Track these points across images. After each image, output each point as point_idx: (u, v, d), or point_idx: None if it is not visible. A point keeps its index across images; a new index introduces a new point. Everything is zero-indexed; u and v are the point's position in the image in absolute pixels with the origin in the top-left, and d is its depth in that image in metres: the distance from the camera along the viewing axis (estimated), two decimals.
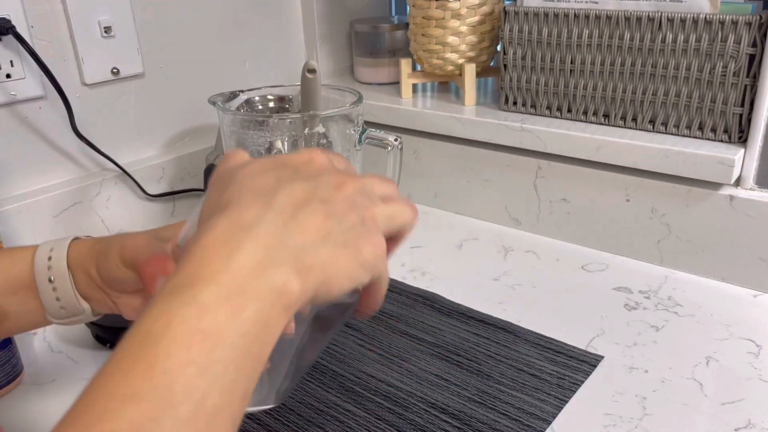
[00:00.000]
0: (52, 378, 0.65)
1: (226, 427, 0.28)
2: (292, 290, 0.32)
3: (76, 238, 0.51)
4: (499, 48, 0.91)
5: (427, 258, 0.85)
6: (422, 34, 0.94)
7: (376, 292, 0.40)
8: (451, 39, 0.92)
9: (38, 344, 0.70)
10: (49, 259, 0.49)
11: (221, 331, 0.29)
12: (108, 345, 0.69)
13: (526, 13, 0.83)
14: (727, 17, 0.70)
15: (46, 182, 0.85)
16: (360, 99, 0.75)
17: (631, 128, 0.80)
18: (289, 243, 0.33)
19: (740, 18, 0.69)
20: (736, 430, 0.55)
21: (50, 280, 0.49)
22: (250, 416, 0.58)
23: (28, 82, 0.79)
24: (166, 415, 0.26)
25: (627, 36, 0.77)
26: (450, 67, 0.95)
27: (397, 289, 0.77)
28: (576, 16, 0.79)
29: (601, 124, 0.83)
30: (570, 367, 0.63)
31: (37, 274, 0.49)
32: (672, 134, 0.78)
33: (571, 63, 0.82)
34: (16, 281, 0.49)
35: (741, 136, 0.74)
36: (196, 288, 0.30)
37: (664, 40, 0.74)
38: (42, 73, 0.78)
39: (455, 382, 0.61)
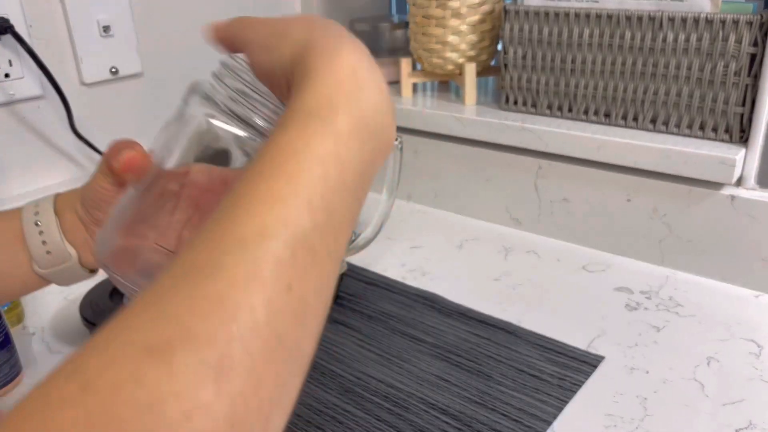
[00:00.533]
0: None
1: (342, 242, 0.31)
2: (389, 136, 0.35)
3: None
4: (499, 47, 0.91)
5: (427, 258, 0.85)
6: (422, 33, 0.94)
7: None
8: (451, 38, 0.92)
9: (37, 345, 0.70)
10: (36, 206, 0.49)
11: (351, 159, 0.31)
12: None
13: (527, 12, 0.83)
14: (728, 16, 0.69)
15: (45, 182, 0.84)
16: None
17: (631, 128, 0.80)
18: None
19: (741, 17, 0.69)
20: (737, 430, 0.55)
21: (36, 224, 0.48)
22: None
23: (27, 82, 0.79)
24: (306, 218, 0.28)
25: (628, 35, 0.76)
26: (450, 67, 0.95)
27: (397, 289, 0.77)
28: (576, 15, 0.79)
29: (602, 123, 0.82)
30: (571, 367, 0.63)
31: (24, 223, 0.48)
32: (673, 134, 0.78)
33: (572, 62, 0.82)
34: (4, 236, 0.49)
35: (742, 135, 0.73)
36: (333, 117, 0.31)
37: (665, 40, 0.74)
38: (41, 72, 0.77)
39: (455, 383, 0.61)
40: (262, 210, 0.28)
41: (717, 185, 0.73)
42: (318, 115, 0.31)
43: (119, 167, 0.47)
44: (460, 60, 0.94)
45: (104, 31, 0.85)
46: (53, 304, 0.78)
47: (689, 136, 0.77)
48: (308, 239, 0.28)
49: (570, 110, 0.85)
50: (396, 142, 0.63)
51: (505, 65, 0.87)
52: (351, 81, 0.33)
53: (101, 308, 0.71)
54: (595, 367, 0.63)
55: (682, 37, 0.73)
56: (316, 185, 0.29)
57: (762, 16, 0.68)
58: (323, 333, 0.30)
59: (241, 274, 0.25)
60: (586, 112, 0.83)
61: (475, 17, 0.91)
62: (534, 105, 0.87)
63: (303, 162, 0.29)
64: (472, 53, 0.93)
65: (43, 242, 0.48)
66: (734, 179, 0.72)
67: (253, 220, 0.27)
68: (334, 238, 0.29)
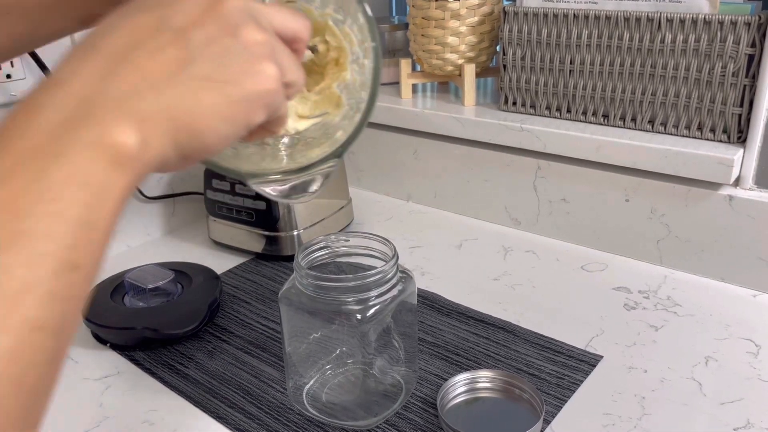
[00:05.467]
0: None
1: (46, 303, 0.24)
2: (120, 142, 0.26)
3: None
4: (498, 48, 0.91)
5: (427, 258, 0.86)
6: (422, 35, 0.94)
7: (273, 126, 0.34)
8: (450, 39, 0.92)
9: None
10: None
11: (19, 201, 0.24)
12: (108, 345, 0.69)
13: (526, 14, 0.83)
14: (726, 17, 0.70)
15: None
16: None
17: (630, 128, 0.80)
18: (112, 89, 0.27)
19: (739, 18, 0.69)
20: (735, 429, 0.55)
21: None
22: (249, 415, 0.58)
23: (28, 82, 0.79)
24: None
25: (626, 36, 0.77)
26: (450, 68, 0.95)
27: None
28: (575, 16, 0.79)
29: (601, 124, 0.83)
30: (569, 366, 0.63)
31: None
32: (671, 134, 0.78)
33: (571, 63, 0.82)
34: None
35: (740, 136, 0.74)
36: None
37: (663, 41, 0.74)
38: (42, 73, 0.78)
39: None
40: None
41: (715, 185, 0.74)
42: None
43: None
44: (460, 61, 0.94)
45: None
46: None
47: (687, 136, 0.77)
48: None
49: (569, 111, 0.85)
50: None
51: (504, 66, 0.88)
52: (27, 110, 0.27)
53: (102, 308, 0.71)
54: (594, 366, 0.63)
55: (680, 38, 0.73)
56: None
57: (760, 17, 0.68)
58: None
59: None
60: (584, 113, 0.84)
61: (475, 18, 0.91)
62: (533, 106, 0.88)
63: None
64: (471, 54, 0.94)
65: None
66: (732, 179, 0.72)
67: None
68: (10, 306, 0.23)
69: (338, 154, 0.43)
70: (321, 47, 0.45)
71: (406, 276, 0.57)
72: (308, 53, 0.46)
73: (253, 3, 0.31)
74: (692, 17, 0.72)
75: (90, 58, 0.27)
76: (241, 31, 0.30)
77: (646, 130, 0.79)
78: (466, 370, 0.61)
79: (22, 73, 0.78)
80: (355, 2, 0.43)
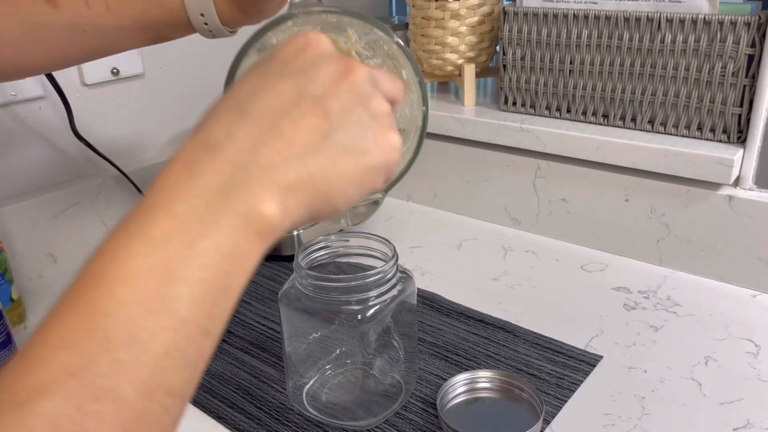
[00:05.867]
0: None
1: (180, 370, 0.26)
2: (266, 214, 0.28)
3: None
4: (498, 48, 0.91)
5: (427, 258, 0.86)
6: (422, 35, 0.94)
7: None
8: (450, 39, 0.92)
9: None
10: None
11: (171, 266, 0.26)
12: None
13: (526, 14, 0.83)
14: (726, 17, 0.70)
15: (46, 182, 0.85)
16: None
17: (630, 128, 0.80)
18: (263, 158, 0.29)
19: (739, 18, 0.69)
20: (734, 429, 0.55)
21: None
22: (249, 416, 0.58)
23: (28, 83, 0.79)
24: (101, 360, 0.23)
25: (626, 36, 0.77)
26: (449, 68, 0.95)
27: None
28: (575, 16, 0.79)
29: (601, 124, 0.83)
30: (569, 366, 0.63)
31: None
32: (671, 134, 0.78)
33: (571, 63, 0.82)
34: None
35: (740, 136, 0.74)
36: (147, 220, 0.27)
37: (663, 41, 0.74)
38: (33, 75, 0.78)
39: None
40: (46, 358, 0.23)
41: (715, 185, 0.74)
42: (126, 227, 0.27)
43: None
44: (460, 61, 0.94)
45: None
46: None
47: (687, 136, 0.77)
48: (106, 385, 0.23)
49: (569, 111, 0.85)
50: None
51: (504, 66, 0.88)
52: (187, 167, 0.29)
53: None
54: (594, 366, 0.63)
55: (680, 38, 0.73)
56: (118, 314, 0.24)
57: (760, 17, 0.68)
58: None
59: None
60: (584, 113, 0.84)
61: (474, 19, 0.91)
62: (533, 106, 0.88)
63: (102, 288, 0.25)
64: (471, 54, 0.94)
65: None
66: (732, 179, 0.72)
67: (34, 373, 0.23)
68: (153, 370, 0.24)
69: (386, 188, 0.49)
70: None
71: (406, 276, 0.57)
72: None
73: (373, 71, 0.34)
74: (692, 17, 0.72)
75: (241, 125, 0.29)
76: (371, 103, 0.32)
77: (646, 130, 0.79)
78: (466, 370, 0.61)
79: None
80: (404, 59, 0.49)
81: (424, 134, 0.51)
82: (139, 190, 0.90)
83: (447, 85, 1.05)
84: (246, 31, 0.51)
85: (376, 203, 0.52)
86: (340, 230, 0.54)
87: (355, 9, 0.51)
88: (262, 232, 0.28)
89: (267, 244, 0.29)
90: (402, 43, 0.49)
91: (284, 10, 0.52)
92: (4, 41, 0.49)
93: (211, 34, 0.52)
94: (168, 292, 0.25)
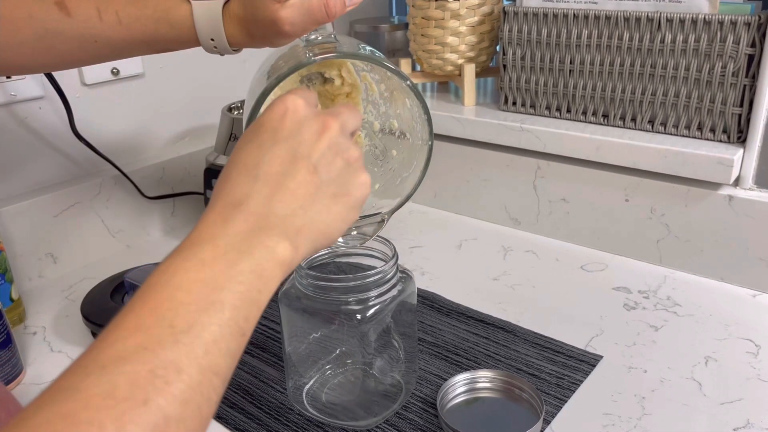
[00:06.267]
0: (53, 378, 0.65)
1: (223, 356, 0.32)
2: (282, 251, 0.37)
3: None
4: (498, 48, 0.91)
5: (427, 258, 0.86)
6: (422, 35, 0.94)
7: None
8: (450, 39, 0.92)
9: (38, 345, 0.71)
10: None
11: (218, 279, 0.34)
12: None
13: (526, 14, 0.83)
14: (726, 17, 0.70)
15: (46, 182, 0.85)
16: None
17: (630, 128, 0.80)
18: (277, 210, 0.37)
19: (739, 18, 0.69)
20: (734, 429, 0.55)
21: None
22: (249, 416, 0.58)
23: (28, 83, 0.79)
24: (168, 340, 0.30)
25: (626, 36, 0.77)
26: (449, 68, 0.95)
27: None
28: (575, 16, 0.79)
29: (601, 124, 0.83)
30: (569, 366, 0.63)
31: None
32: (671, 134, 0.78)
33: (571, 63, 0.82)
34: None
35: (740, 136, 0.74)
36: (196, 248, 0.35)
37: (663, 41, 0.74)
38: (42, 73, 0.78)
39: None
40: (124, 338, 0.30)
41: (715, 185, 0.74)
42: (180, 253, 0.35)
43: None
44: (460, 61, 0.94)
45: None
46: (54, 303, 0.78)
47: (687, 136, 0.77)
48: (171, 358, 0.30)
49: (569, 111, 0.85)
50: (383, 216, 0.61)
51: (504, 66, 0.88)
52: (221, 216, 0.36)
53: (102, 308, 0.71)
54: (594, 366, 0.63)
55: (680, 37, 0.73)
56: (178, 309, 0.32)
57: (760, 17, 0.68)
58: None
59: (96, 394, 0.28)
60: (584, 113, 0.84)
61: (474, 18, 0.91)
62: (533, 106, 0.88)
63: (164, 293, 0.32)
64: (471, 54, 0.94)
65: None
66: (732, 179, 0.72)
67: (114, 347, 0.30)
68: (205, 352, 0.31)
69: (391, 212, 0.57)
70: (337, 80, 0.55)
71: (406, 276, 0.57)
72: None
73: (343, 117, 0.41)
74: (692, 17, 0.72)
75: (256, 186, 0.37)
76: (346, 154, 0.41)
77: (646, 130, 0.79)
78: (466, 370, 0.61)
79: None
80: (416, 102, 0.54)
81: (428, 165, 0.55)
82: (139, 190, 0.90)
83: (447, 85, 1.05)
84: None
85: (382, 222, 0.56)
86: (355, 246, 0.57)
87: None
88: (283, 264, 0.37)
89: (286, 272, 0.37)
90: (413, 84, 0.53)
91: (296, 41, 0.54)
92: (17, 44, 0.53)
93: (216, 51, 0.54)
94: (215, 297, 0.33)
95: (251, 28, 0.52)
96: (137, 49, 0.55)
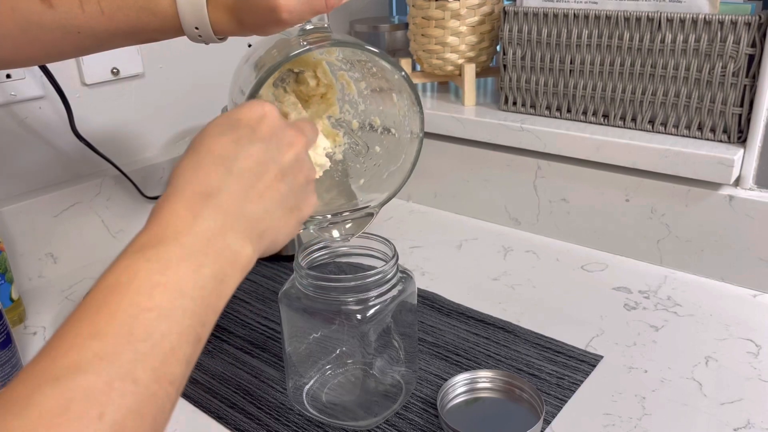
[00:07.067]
0: None
1: (180, 364, 0.32)
2: (245, 254, 0.37)
3: None
4: (498, 48, 0.91)
5: (427, 258, 0.85)
6: (422, 35, 0.94)
7: None
8: (450, 39, 0.92)
9: (38, 345, 0.71)
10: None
11: (181, 285, 0.33)
12: None
13: (526, 14, 0.83)
14: (727, 17, 0.70)
15: (46, 182, 0.85)
16: None
17: (630, 128, 0.80)
18: (247, 211, 0.38)
19: (739, 18, 0.69)
20: (735, 429, 0.55)
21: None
22: (249, 416, 0.58)
23: (28, 83, 0.79)
24: (125, 350, 0.30)
25: (626, 36, 0.77)
26: (450, 67, 0.95)
27: None
28: (575, 16, 0.79)
29: (601, 124, 0.83)
30: (569, 366, 0.63)
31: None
32: (671, 134, 0.78)
33: (571, 63, 0.82)
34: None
35: (740, 136, 0.74)
36: (161, 247, 0.34)
37: (663, 41, 0.74)
38: (42, 73, 0.78)
39: None
40: (80, 345, 0.29)
41: (715, 185, 0.74)
42: (143, 251, 0.33)
43: None
44: (460, 61, 0.94)
45: None
46: (54, 303, 0.78)
47: (688, 136, 0.77)
48: (128, 369, 0.29)
49: (569, 111, 0.85)
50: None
51: (504, 66, 0.88)
52: (189, 208, 0.35)
53: None
54: (594, 366, 0.63)
55: (680, 37, 0.73)
56: (138, 316, 0.31)
57: (760, 17, 0.68)
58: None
59: (49, 408, 0.26)
60: (585, 113, 0.84)
61: (475, 18, 0.91)
62: (533, 106, 0.88)
63: (125, 296, 0.31)
64: (471, 54, 0.94)
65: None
66: (732, 179, 0.72)
67: (69, 355, 0.29)
68: (162, 361, 0.31)
69: (380, 205, 0.57)
70: (311, 81, 0.55)
71: (406, 276, 0.57)
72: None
73: (308, 135, 0.43)
74: (692, 17, 0.72)
75: (229, 181, 0.37)
76: (308, 172, 0.43)
77: (646, 130, 0.79)
78: (466, 370, 0.61)
79: (22, 73, 0.78)
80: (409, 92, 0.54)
81: (418, 157, 0.56)
82: (139, 190, 0.90)
83: (447, 85, 1.05)
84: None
85: (371, 215, 0.56)
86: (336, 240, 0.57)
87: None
88: (243, 267, 0.37)
89: (243, 275, 0.37)
90: (406, 74, 0.53)
91: (287, 31, 0.53)
92: (0, 37, 0.52)
93: (201, 40, 0.53)
94: (177, 303, 0.32)
95: (243, 16, 0.51)
96: (121, 39, 0.54)
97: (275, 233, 0.40)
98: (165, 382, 0.30)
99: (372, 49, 0.51)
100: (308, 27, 0.52)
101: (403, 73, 0.52)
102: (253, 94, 0.48)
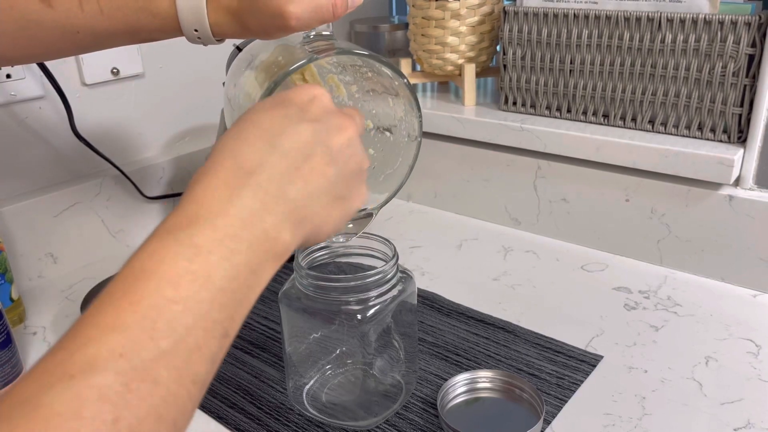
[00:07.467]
0: None
1: (205, 363, 0.29)
2: (283, 241, 0.34)
3: None
4: (498, 48, 0.91)
5: (427, 258, 0.85)
6: (422, 35, 0.94)
7: None
8: (450, 39, 0.92)
9: (38, 345, 0.71)
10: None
11: (211, 273, 0.30)
12: None
13: (526, 14, 0.83)
14: (727, 17, 0.70)
15: (46, 182, 0.85)
16: None
17: (630, 128, 0.80)
18: (289, 193, 0.35)
19: (739, 18, 0.69)
20: (735, 429, 0.55)
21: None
22: (249, 416, 0.58)
23: (28, 83, 0.79)
24: (146, 346, 0.27)
25: (626, 36, 0.77)
26: (450, 67, 0.95)
27: None
28: (575, 16, 0.79)
29: (601, 124, 0.83)
30: (569, 366, 0.63)
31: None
32: (671, 134, 0.78)
33: (571, 63, 0.82)
34: None
35: (740, 136, 0.74)
36: (192, 229, 0.31)
37: (663, 41, 0.74)
38: (42, 73, 0.78)
39: None
40: (98, 339, 0.27)
41: (715, 185, 0.74)
42: (174, 232, 0.31)
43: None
44: (460, 61, 0.94)
45: None
46: (54, 303, 0.78)
47: (688, 136, 0.77)
48: (148, 367, 0.27)
49: (569, 111, 0.85)
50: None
51: (504, 66, 0.88)
52: (227, 185, 0.33)
53: None
54: (594, 366, 0.63)
55: (680, 37, 0.73)
56: (163, 308, 0.28)
57: (760, 17, 0.68)
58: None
59: (60, 411, 0.24)
60: (585, 113, 0.84)
61: (475, 18, 0.91)
62: (533, 106, 0.88)
63: (150, 284, 0.29)
64: (471, 54, 0.94)
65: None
66: (732, 179, 0.72)
67: (86, 350, 0.26)
68: (186, 360, 0.28)
69: (379, 206, 0.56)
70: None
71: (406, 276, 0.57)
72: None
73: (359, 122, 0.41)
74: (692, 17, 0.72)
75: (271, 157, 0.35)
76: (361, 159, 0.40)
77: (646, 130, 0.79)
78: (466, 370, 0.61)
79: (22, 73, 0.78)
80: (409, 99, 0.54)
81: (416, 160, 0.56)
82: (139, 190, 0.90)
83: (447, 85, 1.05)
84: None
85: (370, 216, 0.56)
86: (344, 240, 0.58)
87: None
88: (278, 255, 0.34)
89: (278, 266, 0.34)
90: (408, 81, 0.53)
91: (294, 37, 0.53)
92: None
93: (200, 41, 0.53)
94: (204, 295, 0.30)
95: (247, 20, 0.51)
96: (120, 39, 0.54)
97: (318, 222, 0.37)
98: (188, 381, 0.28)
99: (375, 56, 0.51)
100: (312, 34, 0.53)
101: (405, 80, 0.52)
102: (269, 92, 0.49)
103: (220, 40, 0.54)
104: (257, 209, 0.33)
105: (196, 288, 0.30)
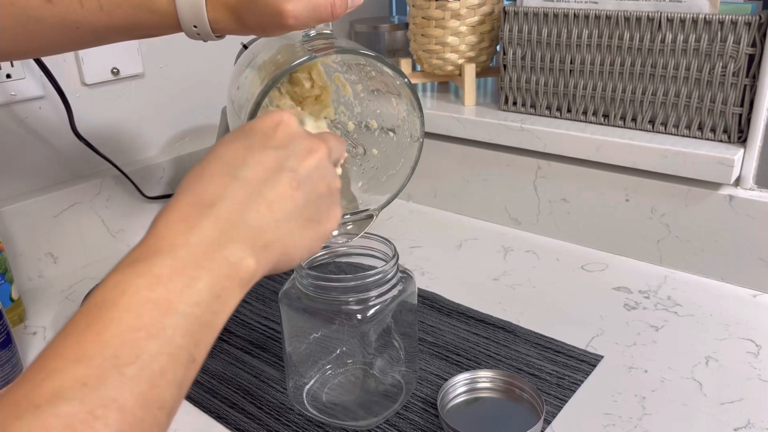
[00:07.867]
0: None
1: (171, 388, 0.30)
2: (246, 267, 0.34)
3: None
4: (498, 48, 0.91)
5: (427, 258, 0.85)
6: (422, 35, 0.94)
7: None
8: (450, 39, 0.92)
9: (38, 345, 0.71)
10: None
11: (172, 300, 0.31)
12: None
13: (526, 13, 0.83)
14: (727, 17, 0.70)
15: (46, 182, 0.85)
16: None
17: (630, 128, 0.80)
18: (249, 219, 0.35)
19: (740, 18, 0.69)
20: (735, 429, 0.55)
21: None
22: (249, 415, 0.58)
23: (28, 83, 0.79)
24: (110, 375, 0.28)
25: (626, 36, 0.77)
26: (450, 67, 0.95)
27: None
28: (576, 16, 0.79)
29: (601, 124, 0.83)
30: (569, 366, 0.63)
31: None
32: (671, 134, 0.78)
33: (571, 63, 0.82)
34: None
35: (740, 136, 0.74)
36: (152, 260, 0.31)
37: (663, 40, 0.74)
38: (42, 73, 0.78)
39: None
40: (62, 370, 0.27)
41: (715, 185, 0.74)
42: (134, 265, 0.31)
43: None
44: (460, 61, 0.94)
45: None
46: (54, 303, 0.78)
47: (688, 136, 0.77)
48: (113, 395, 0.27)
49: (569, 111, 0.85)
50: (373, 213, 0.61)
51: (505, 66, 0.88)
52: (185, 219, 0.33)
53: None
54: (594, 366, 0.63)
55: (680, 37, 0.73)
56: (126, 337, 0.29)
57: (760, 17, 0.68)
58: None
59: None
60: (585, 113, 0.84)
61: (475, 18, 0.91)
62: (533, 105, 0.88)
63: (112, 314, 0.29)
64: (471, 54, 0.94)
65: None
66: (732, 179, 0.72)
67: (50, 381, 0.27)
68: (151, 386, 0.29)
69: (381, 207, 0.57)
70: (306, 83, 0.55)
71: (406, 276, 0.57)
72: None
73: (331, 144, 0.41)
74: (692, 17, 0.72)
75: (232, 188, 0.35)
76: (331, 182, 0.40)
77: (646, 130, 0.79)
78: (467, 370, 0.61)
79: (22, 73, 0.78)
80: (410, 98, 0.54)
81: (418, 161, 0.56)
82: (139, 190, 0.90)
83: (447, 85, 1.05)
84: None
85: (371, 217, 0.56)
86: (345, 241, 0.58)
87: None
88: (243, 281, 0.34)
89: (244, 291, 0.35)
90: (408, 81, 0.53)
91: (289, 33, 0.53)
92: None
93: (199, 37, 0.53)
94: (167, 322, 0.30)
95: (246, 17, 0.51)
96: (120, 35, 0.54)
97: (287, 246, 0.37)
98: (154, 407, 0.29)
99: (375, 54, 0.51)
100: (312, 32, 0.53)
101: (405, 79, 0.52)
102: (259, 102, 0.48)
103: (220, 36, 0.54)
104: (216, 237, 0.33)
105: (158, 315, 0.30)
